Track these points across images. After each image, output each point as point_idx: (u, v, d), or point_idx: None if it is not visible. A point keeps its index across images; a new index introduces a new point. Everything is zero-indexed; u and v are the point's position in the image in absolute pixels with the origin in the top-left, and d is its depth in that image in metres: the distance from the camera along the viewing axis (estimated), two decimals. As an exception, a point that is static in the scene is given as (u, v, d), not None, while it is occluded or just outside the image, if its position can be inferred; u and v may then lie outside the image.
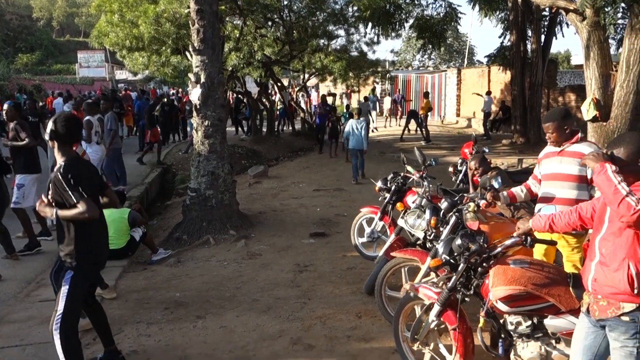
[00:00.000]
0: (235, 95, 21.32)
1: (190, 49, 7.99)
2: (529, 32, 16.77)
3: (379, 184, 6.17)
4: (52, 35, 65.94)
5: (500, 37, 18.69)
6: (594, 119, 9.87)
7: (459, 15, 18.09)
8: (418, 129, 19.07)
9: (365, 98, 20.67)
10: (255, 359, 4.18)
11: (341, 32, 17.52)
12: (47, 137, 3.67)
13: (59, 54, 61.85)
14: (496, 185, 4.17)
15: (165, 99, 19.63)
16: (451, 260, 3.39)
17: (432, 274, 4.18)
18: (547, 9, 15.63)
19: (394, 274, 4.74)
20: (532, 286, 3.06)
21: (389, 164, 13.20)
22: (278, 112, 22.26)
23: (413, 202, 5.42)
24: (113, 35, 13.33)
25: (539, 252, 4.13)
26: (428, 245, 4.78)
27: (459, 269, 3.34)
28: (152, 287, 5.87)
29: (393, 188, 5.96)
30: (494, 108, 20.06)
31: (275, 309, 5.12)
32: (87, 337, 4.45)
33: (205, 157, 7.87)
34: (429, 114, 19.49)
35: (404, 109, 25.42)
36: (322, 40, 17.09)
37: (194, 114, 7.98)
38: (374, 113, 22.14)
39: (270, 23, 16.06)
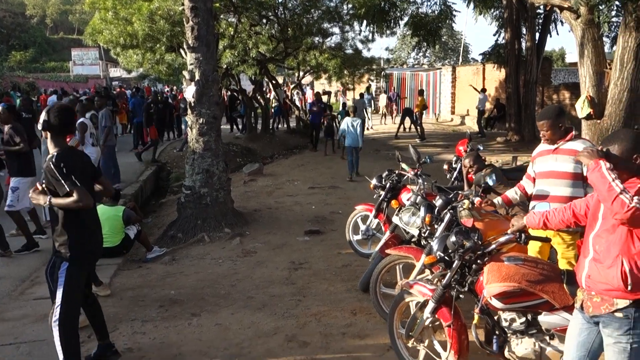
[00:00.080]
0: (229, 93, 21.26)
1: (185, 47, 7.97)
2: (524, 30, 16.80)
3: (373, 181, 6.18)
4: (45, 33, 65.65)
5: (494, 34, 18.69)
6: (588, 117, 9.90)
7: (454, 13, 18.25)
8: (413, 126, 19.10)
9: (361, 95, 20.68)
10: (250, 356, 4.18)
11: (336, 30, 17.50)
12: (40, 127, 3.66)
13: (52, 52, 61.60)
14: (490, 183, 4.18)
15: (160, 97, 19.55)
16: (446, 258, 3.40)
17: (427, 271, 4.20)
18: (541, 7, 15.66)
19: (388, 271, 4.75)
20: (526, 283, 3.07)
21: (384, 161, 13.20)
22: (273, 110, 22.21)
23: (408, 200, 5.43)
24: (107, 33, 13.28)
25: (533, 249, 4.15)
26: (423, 242, 4.79)
27: (454, 266, 3.35)
28: (147, 285, 5.85)
29: (388, 185, 5.97)
30: (488, 106, 20.11)
31: (270, 306, 5.12)
32: (82, 334, 4.43)
33: (200, 154, 7.86)
34: (424, 111, 19.51)
35: (398, 106, 25.44)
36: (316, 38, 17.05)
37: (189, 111, 7.96)
38: (369, 110, 22.16)
39: (264, 20, 16.03)
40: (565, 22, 10.80)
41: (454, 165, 7.43)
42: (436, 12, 18.22)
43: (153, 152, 14.76)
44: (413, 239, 5.07)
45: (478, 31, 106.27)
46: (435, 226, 4.49)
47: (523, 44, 16.82)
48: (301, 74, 22.02)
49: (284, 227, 8.11)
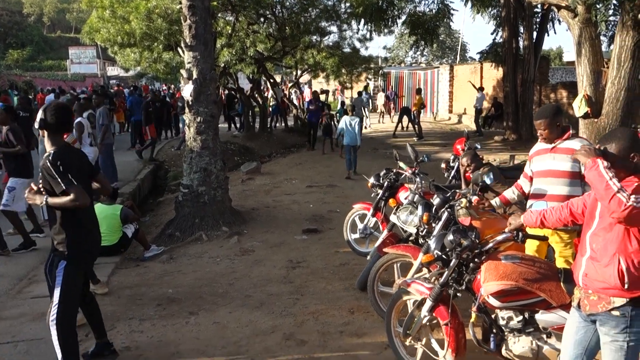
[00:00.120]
0: (227, 91, 21.23)
1: (183, 45, 7.96)
2: (521, 29, 16.81)
3: (371, 180, 6.18)
4: (43, 31, 65.49)
5: (492, 33, 18.80)
6: (586, 116, 9.92)
7: (452, 11, 18.22)
8: (410, 125, 19.11)
9: (359, 93, 20.69)
10: (248, 354, 4.18)
11: (334, 29, 17.49)
12: (36, 125, 3.65)
13: (50, 50, 61.48)
14: (488, 181, 4.19)
15: (158, 95, 19.53)
16: (443, 256, 3.41)
17: (425, 270, 4.20)
18: (539, 6, 15.68)
19: (386, 270, 4.75)
20: (523, 281, 3.08)
21: (382, 160, 13.21)
22: (271, 109, 22.21)
23: (405, 198, 5.44)
24: (104, 31, 13.24)
25: (530, 247, 4.16)
26: (420, 241, 4.79)
27: (451, 264, 3.36)
28: (145, 284, 5.85)
29: (386, 184, 5.97)
30: (486, 104, 20.12)
31: (268, 304, 5.12)
32: (80, 333, 4.43)
33: (198, 153, 7.85)
34: (422, 110, 19.52)
35: (396, 105, 25.42)
36: (314, 37, 17.04)
37: (187, 110, 7.96)
38: (367, 109, 22.15)
39: (262, 19, 16.01)
40: (562, 21, 10.81)
41: (451, 164, 7.44)
42: (434, 10, 18.22)
43: (151, 150, 14.75)
44: (411, 238, 5.08)
45: (476, 30, 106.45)
46: (433, 225, 4.49)
47: (521, 43, 16.83)
48: (299, 72, 22.01)
49: (282, 225, 8.11)
